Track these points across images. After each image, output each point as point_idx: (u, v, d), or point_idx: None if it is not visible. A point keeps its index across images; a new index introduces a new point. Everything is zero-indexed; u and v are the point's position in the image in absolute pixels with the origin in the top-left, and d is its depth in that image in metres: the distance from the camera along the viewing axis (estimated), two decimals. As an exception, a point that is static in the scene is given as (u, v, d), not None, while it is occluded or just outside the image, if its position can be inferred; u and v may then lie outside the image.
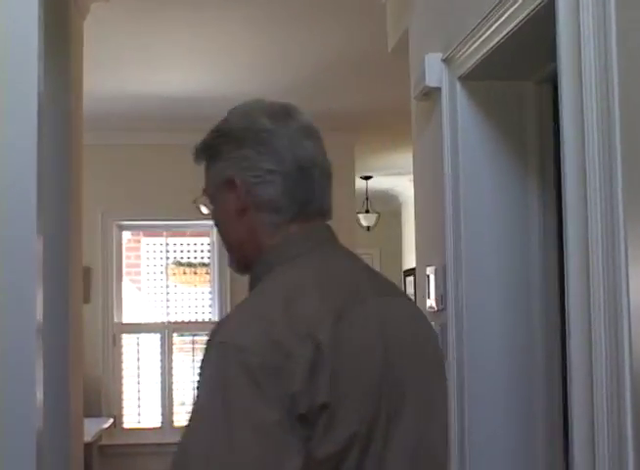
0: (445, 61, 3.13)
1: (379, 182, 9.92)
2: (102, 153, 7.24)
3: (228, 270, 6.99)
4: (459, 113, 3.06)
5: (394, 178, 10.45)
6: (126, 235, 7.70)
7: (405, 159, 9.38)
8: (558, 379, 2.99)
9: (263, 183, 1.58)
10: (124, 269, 7.69)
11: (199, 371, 1.46)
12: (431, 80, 3.19)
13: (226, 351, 1.40)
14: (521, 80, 3.05)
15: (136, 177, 7.33)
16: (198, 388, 1.44)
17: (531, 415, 2.99)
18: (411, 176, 9.81)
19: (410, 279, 10.86)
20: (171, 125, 7.21)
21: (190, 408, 1.46)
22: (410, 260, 10.99)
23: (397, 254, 11.65)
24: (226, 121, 1.66)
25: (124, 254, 9.03)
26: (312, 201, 1.61)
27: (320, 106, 6.84)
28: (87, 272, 7.14)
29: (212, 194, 1.67)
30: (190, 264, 8.44)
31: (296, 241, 1.59)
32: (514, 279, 3.03)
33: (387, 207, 10.61)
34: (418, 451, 1.51)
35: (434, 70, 3.17)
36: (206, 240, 8.01)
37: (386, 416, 1.47)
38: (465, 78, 3.05)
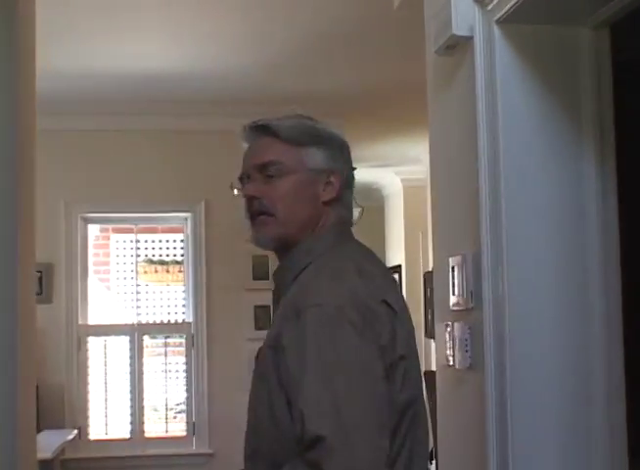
0: (478, 1, 2.54)
1: (360, 175, 9.21)
2: (66, 138, 6.65)
3: (204, 268, 6.39)
4: (497, 66, 2.48)
5: (378, 171, 9.85)
6: (93, 229, 7.05)
7: (392, 148, 8.92)
8: (620, 392, 2.42)
9: (349, 187, 1.96)
10: (91, 267, 7.06)
11: (295, 335, 1.68)
12: (459, 28, 2.59)
13: (327, 310, 1.68)
14: (574, 25, 2.47)
15: (104, 166, 6.71)
16: (301, 348, 1.66)
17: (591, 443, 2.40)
18: (397, 168, 9.40)
19: (394, 277, 10.35)
20: (146, 108, 6.60)
21: (297, 371, 1.67)
22: (394, 258, 10.48)
23: (380, 251, 11.06)
24: (317, 122, 1.95)
25: (91, 250, 8.57)
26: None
27: (306, 85, 6.27)
28: (49, 269, 6.53)
29: (293, 170, 1.88)
30: (162, 262, 7.94)
31: (341, 232, 1.93)
32: (567, 270, 2.44)
33: (368, 201, 9.96)
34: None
35: (463, 15, 2.58)
36: (179, 236, 7.51)
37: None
38: (504, 22, 2.46)
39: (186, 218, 6.88)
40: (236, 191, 1.95)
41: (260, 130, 1.92)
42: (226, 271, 6.68)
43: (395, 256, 10.45)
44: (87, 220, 6.80)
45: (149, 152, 6.73)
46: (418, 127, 7.47)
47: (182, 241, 7.19)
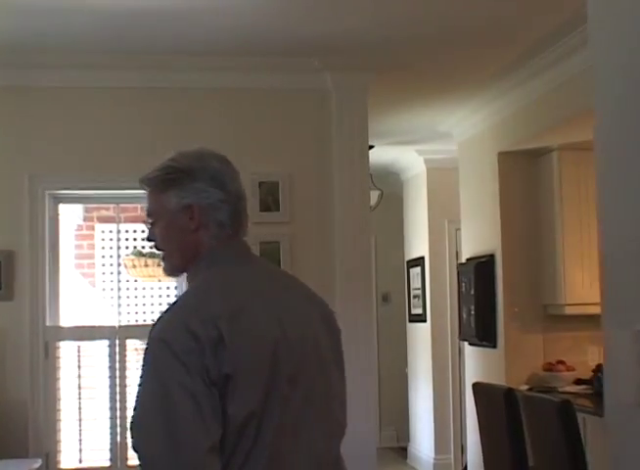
0: None
1: (377, 155, 7.97)
2: (32, 96, 5.42)
3: None
4: None
5: (397, 149, 8.64)
6: (65, 211, 5.83)
7: (419, 120, 7.40)
8: None
9: (217, 209, 2.20)
10: (73, 260, 5.99)
11: (142, 363, 2.02)
12: None
13: (157, 344, 1.99)
14: None
15: (79, 131, 5.48)
16: (142, 376, 2.01)
17: None
18: (420, 146, 8.15)
19: (416, 271, 9.24)
20: (127, 57, 5.37)
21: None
22: (415, 249, 9.38)
23: (398, 242, 9.87)
24: (179, 162, 2.25)
25: (73, 241, 8.03)
26: (242, 223, 2.25)
27: (317, 30, 5.07)
28: (9, 258, 5.31)
29: (162, 215, 2.22)
30: (153, 255, 7.18)
31: (219, 252, 2.21)
32: None
33: (385, 187, 8.78)
34: (302, 427, 2.09)
35: None
36: None
37: (280, 394, 2.03)
38: None
39: (179, 197, 5.60)
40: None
41: (140, 183, 2.28)
42: None
43: (417, 247, 9.36)
44: (57, 199, 5.54)
45: (135, 114, 5.51)
46: (457, 90, 6.41)
47: None
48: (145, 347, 2.02)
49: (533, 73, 5.84)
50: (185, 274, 2.25)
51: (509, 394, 4.94)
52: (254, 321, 2.05)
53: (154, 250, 7.09)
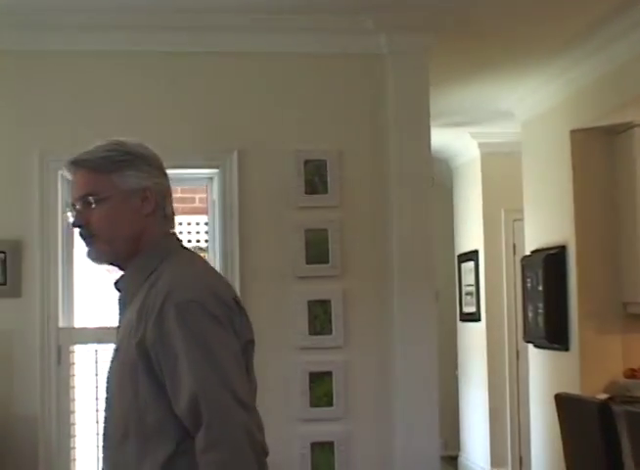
0: None
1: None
2: (42, 62, 4.76)
3: (236, 249, 4.69)
4: None
5: (447, 132, 7.89)
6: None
7: (475, 96, 6.58)
8: None
9: (165, 197, 2.27)
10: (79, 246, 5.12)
11: (166, 330, 2.04)
12: None
13: (194, 307, 2.04)
14: None
15: (95, 102, 4.77)
16: (177, 341, 2.02)
17: None
18: (474, 128, 7.38)
19: (469, 265, 8.56)
20: (149, 17, 4.68)
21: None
22: (467, 242, 8.70)
23: (447, 234, 9.15)
24: (128, 146, 2.26)
25: None
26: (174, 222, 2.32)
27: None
28: (16, 249, 4.63)
29: (109, 197, 2.19)
30: None
31: (172, 240, 2.28)
32: None
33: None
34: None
35: None
36: (203, 218, 6.43)
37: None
38: None
39: (211, 178, 4.92)
40: (70, 217, 2.26)
41: (75, 166, 2.22)
42: (268, 253, 4.79)
43: (469, 240, 8.72)
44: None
45: (159, 82, 4.82)
46: (525, 59, 5.64)
47: (206, 223, 5.63)
48: (167, 312, 2.05)
49: (617, 35, 5.09)
50: (111, 264, 2.27)
51: (604, 408, 4.24)
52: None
53: (182, 243, 6.37)
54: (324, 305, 4.70)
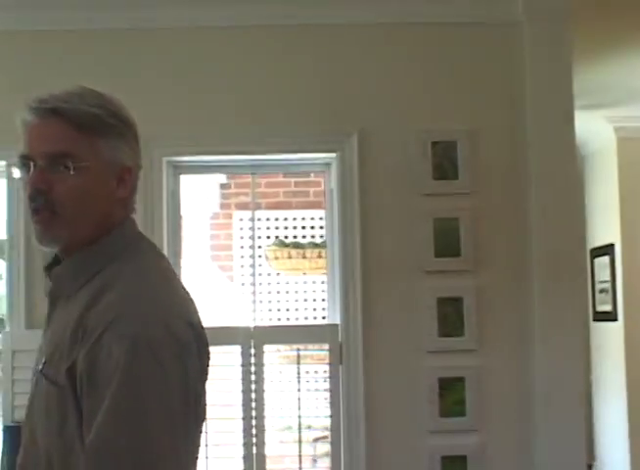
0: None
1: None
2: (147, 38, 4.39)
3: (357, 242, 4.29)
4: None
5: (579, 115, 7.25)
6: (200, 196, 4.79)
7: (613, 73, 5.96)
8: None
9: (137, 181, 1.87)
10: (192, 243, 5.11)
11: (99, 364, 1.63)
12: None
13: (138, 346, 1.63)
14: None
15: (202, 81, 4.38)
16: (106, 381, 1.62)
17: None
18: (611, 111, 6.76)
19: (603, 260, 8.01)
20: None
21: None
22: (602, 236, 8.11)
23: (578, 227, 8.55)
24: (117, 107, 1.83)
25: (208, 231, 7.83)
26: None
27: None
28: None
29: (87, 165, 1.75)
30: (297, 245, 7.09)
31: (133, 235, 1.85)
32: None
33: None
34: None
35: None
36: (317, 213, 6.61)
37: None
38: None
39: (328, 163, 4.49)
40: (17, 174, 1.90)
41: (51, 112, 1.75)
42: (393, 246, 4.33)
43: (603, 233, 8.14)
44: (178, 168, 4.46)
45: (265, 60, 4.40)
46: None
47: (321, 218, 5.82)
48: (105, 345, 1.65)
49: None
50: (60, 248, 1.83)
51: None
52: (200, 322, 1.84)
53: (297, 240, 5.98)
54: (455, 302, 4.25)
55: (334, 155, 4.38)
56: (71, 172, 1.75)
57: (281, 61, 4.38)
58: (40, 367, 1.78)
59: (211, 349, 4.40)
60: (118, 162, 1.81)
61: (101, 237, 1.79)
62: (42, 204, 1.75)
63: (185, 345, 1.69)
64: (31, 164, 1.77)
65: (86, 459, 1.60)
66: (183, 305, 1.79)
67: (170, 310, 1.72)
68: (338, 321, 4.36)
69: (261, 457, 4.31)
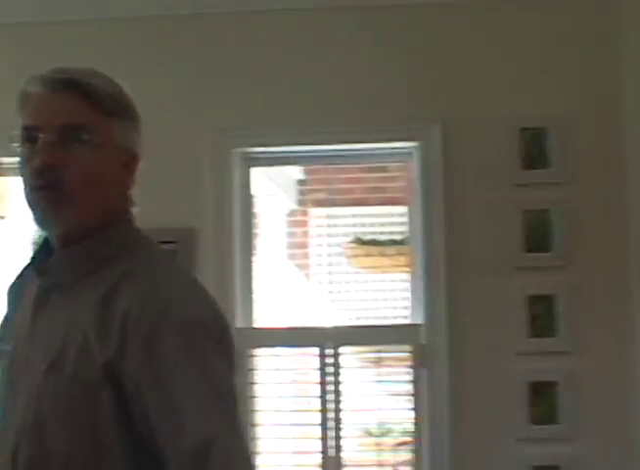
0: None
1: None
2: (216, 24, 4.21)
3: (441, 237, 4.10)
4: None
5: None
6: (258, 175, 4.62)
7: None
8: None
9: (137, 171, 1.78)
10: (266, 240, 5.25)
11: (155, 354, 1.57)
12: None
13: (197, 331, 1.61)
14: None
15: (276, 67, 4.19)
16: (166, 371, 1.57)
17: None
18: None
19: None
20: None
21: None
22: None
23: None
24: (122, 88, 1.73)
25: (285, 228, 7.58)
26: None
27: None
28: (188, 237, 4.13)
29: (101, 142, 1.66)
30: (376, 243, 6.68)
31: (137, 226, 1.78)
32: None
33: None
34: None
35: None
36: (397, 209, 5.85)
37: None
38: None
39: (409, 153, 4.27)
40: (18, 148, 1.68)
41: (68, 84, 1.65)
42: (479, 241, 4.12)
43: None
44: (249, 160, 4.28)
45: (343, 43, 4.18)
46: None
47: (401, 215, 5.21)
48: (162, 335, 1.58)
49: None
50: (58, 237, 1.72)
51: None
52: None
53: (376, 237, 5.78)
54: (546, 301, 4.02)
55: (415, 144, 4.17)
56: (85, 147, 1.65)
57: (358, 46, 4.18)
58: (45, 367, 1.63)
59: (287, 350, 4.34)
60: (129, 146, 1.73)
61: (104, 225, 1.70)
62: (50, 181, 1.63)
63: (228, 329, 1.70)
64: (40, 136, 1.65)
65: (202, 456, 1.53)
66: (211, 295, 1.75)
67: (209, 296, 1.71)
68: (420, 321, 4.17)
69: (339, 464, 4.14)
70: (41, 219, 1.69)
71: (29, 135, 1.67)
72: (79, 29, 4.21)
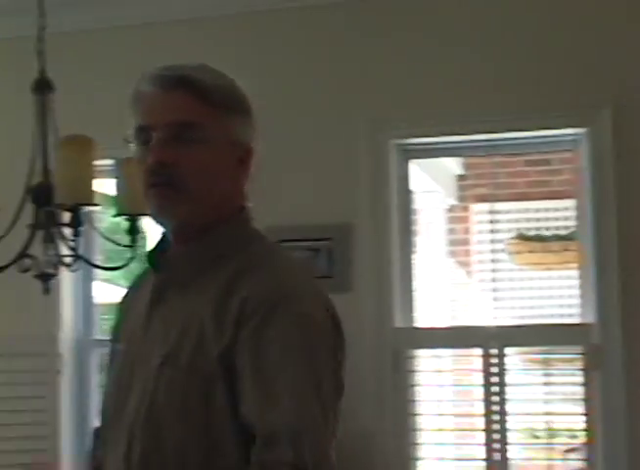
0: None
1: None
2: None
3: (613, 232, 3.84)
4: None
5: None
6: (417, 171, 4.47)
7: None
8: None
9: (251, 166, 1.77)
10: (425, 237, 5.38)
11: (269, 339, 1.58)
12: None
13: (308, 323, 1.61)
14: None
15: (435, 53, 4.00)
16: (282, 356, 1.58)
17: None
18: None
19: None
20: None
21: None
22: None
23: None
24: (235, 82, 1.74)
25: (444, 224, 7.44)
26: None
27: None
28: (344, 233, 3.98)
29: (215, 139, 1.67)
30: (540, 238, 6.68)
31: (252, 223, 1.78)
32: None
33: None
34: None
35: None
36: (562, 203, 5.95)
37: None
38: None
39: (575, 140, 4.01)
40: (133, 147, 1.71)
41: (178, 82, 1.67)
42: None
43: None
44: (407, 152, 4.11)
45: (501, 24, 3.97)
46: None
47: (566, 209, 5.39)
48: (274, 322, 1.59)
49: None
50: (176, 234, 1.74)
51: None
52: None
53: (540, 232, 5.51)
54: None
55: (583, 130, 3.90)
56: (197, 144, 1.67)
57: (520, 29, 3.95)
58: (160, 361, 1.65)
59: (449, 351, 4.15)
60: (243, 141, 1.73)
61: (219, 221, 1.72)
62: (166, 180, 1.66)
63: (341, 329, 1.70)
64: (153, 134, 1.67)
65: (288, 440, 1.53)
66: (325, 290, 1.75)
67: (324, 292, 1.71)
68: (591, 320, 3.92)
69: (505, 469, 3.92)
70: (156, 215, 1.74)
71: (143, 134, 1.69)
72: (220, 25, 4.17)
